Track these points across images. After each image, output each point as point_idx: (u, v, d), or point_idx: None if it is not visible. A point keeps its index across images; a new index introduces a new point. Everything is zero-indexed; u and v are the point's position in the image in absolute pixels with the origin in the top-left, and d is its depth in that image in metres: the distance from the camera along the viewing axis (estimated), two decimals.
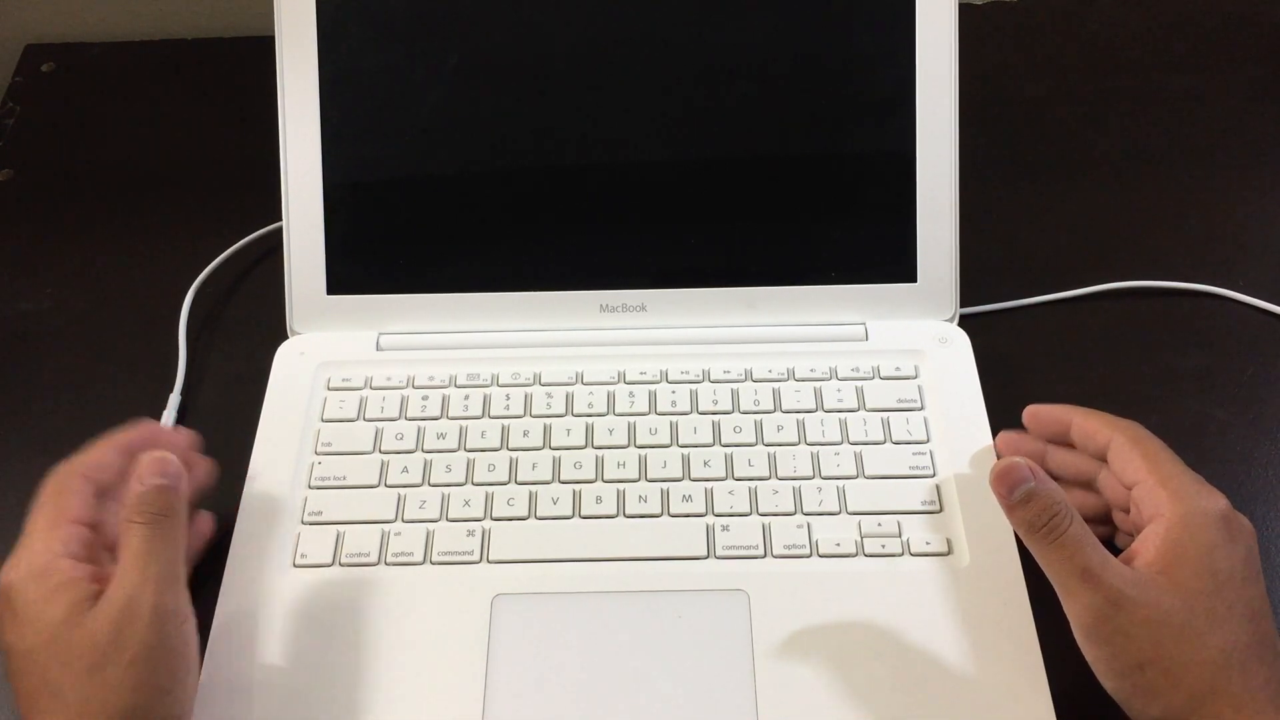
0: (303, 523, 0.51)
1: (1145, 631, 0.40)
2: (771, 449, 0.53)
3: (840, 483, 0.51)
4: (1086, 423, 0.48)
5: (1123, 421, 0.48)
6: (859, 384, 0.55)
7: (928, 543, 0.49)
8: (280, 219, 0.56)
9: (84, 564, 0.43)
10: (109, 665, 0.40)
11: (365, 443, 0.53)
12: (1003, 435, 0.52)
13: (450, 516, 0.51)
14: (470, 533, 0.50)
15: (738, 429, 0.53)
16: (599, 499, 0.51)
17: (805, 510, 0.51)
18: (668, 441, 0.53)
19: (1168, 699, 0.40)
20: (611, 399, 0.55)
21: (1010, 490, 0.44)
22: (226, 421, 0.57)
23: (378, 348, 0.57)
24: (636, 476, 0.52)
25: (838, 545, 0.49)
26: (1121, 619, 0.41)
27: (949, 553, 0.49)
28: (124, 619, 0.41)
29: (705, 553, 0.49)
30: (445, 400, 0.55)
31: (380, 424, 0.54)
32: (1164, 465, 0.45)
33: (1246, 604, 0.41)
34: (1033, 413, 0.51)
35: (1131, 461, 0.45)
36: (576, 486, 0.52)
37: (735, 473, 0.52)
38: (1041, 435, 0.51)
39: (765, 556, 0.49)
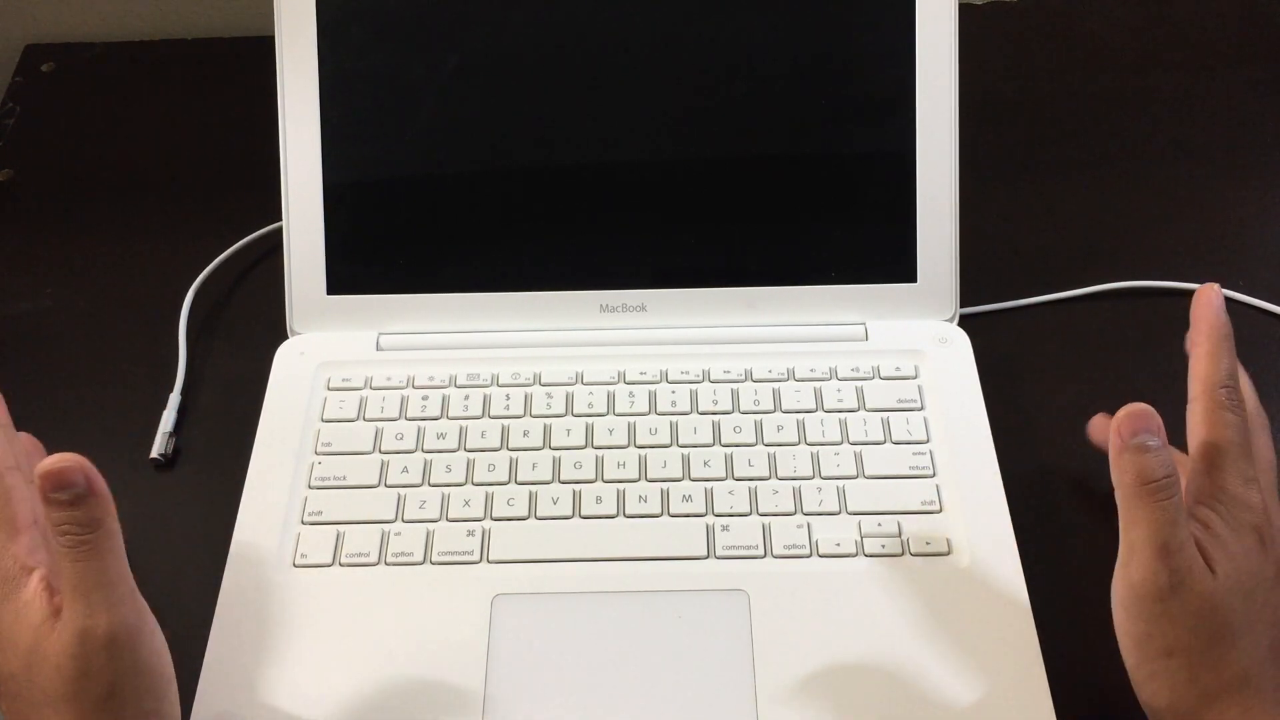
0: (303, 523, 0.51)
1: (1188, 621, 0.40)
2: (771, 449, 0.53)
3: (840, 483, 0.51)
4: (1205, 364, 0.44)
5: (1215, 389, 0.44)
6: (859, 384, 0.55)
7: (928, 543, 0.49)
8: (280, 219, 0.56)
9: (43, 578, 0.40)
10: (83, 700, 0.38)
11: (365, 443, 0.53)
12: (1098, 421, 0.51)
13: (450, 516, 0.51)
14: (470, 533, 0.50)
15: (738, 429, 0.53)
16: (599, 499, 0.51)
17: (805, 510, 0.51)
18: (668, 441, 0.53)
19: (1183, 692, 0.40)
20: (611, 399, 0.55)
21: (1135, 433, 0.40)
22: (226, 421, 0.57)
23: (378, 348, 0.57)
24: (636, 476, 0.52)
25: (838, 545, 0.49)
26: (1173, 603, 0.40)
27: (949, 553, 0.49)
28: (83, 653, 0.38)
29: (705, 553, 0.49)
30: (445, 400, 0.55)
31: (380, 424, 0.54)
32: (1220, 450, 0.42)
33: (1275, 609, 0.41)
34: (1099, 428, 0.50)
35: (1196, 434, 0.44)
36: (576, 486, 0.52)
37: (735, 473, 0.52)
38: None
39: (765, 556, 0.49)
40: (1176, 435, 0.57)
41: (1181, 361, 0.59)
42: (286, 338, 0.57)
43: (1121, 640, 0.42)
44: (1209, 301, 0.45)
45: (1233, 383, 0.44)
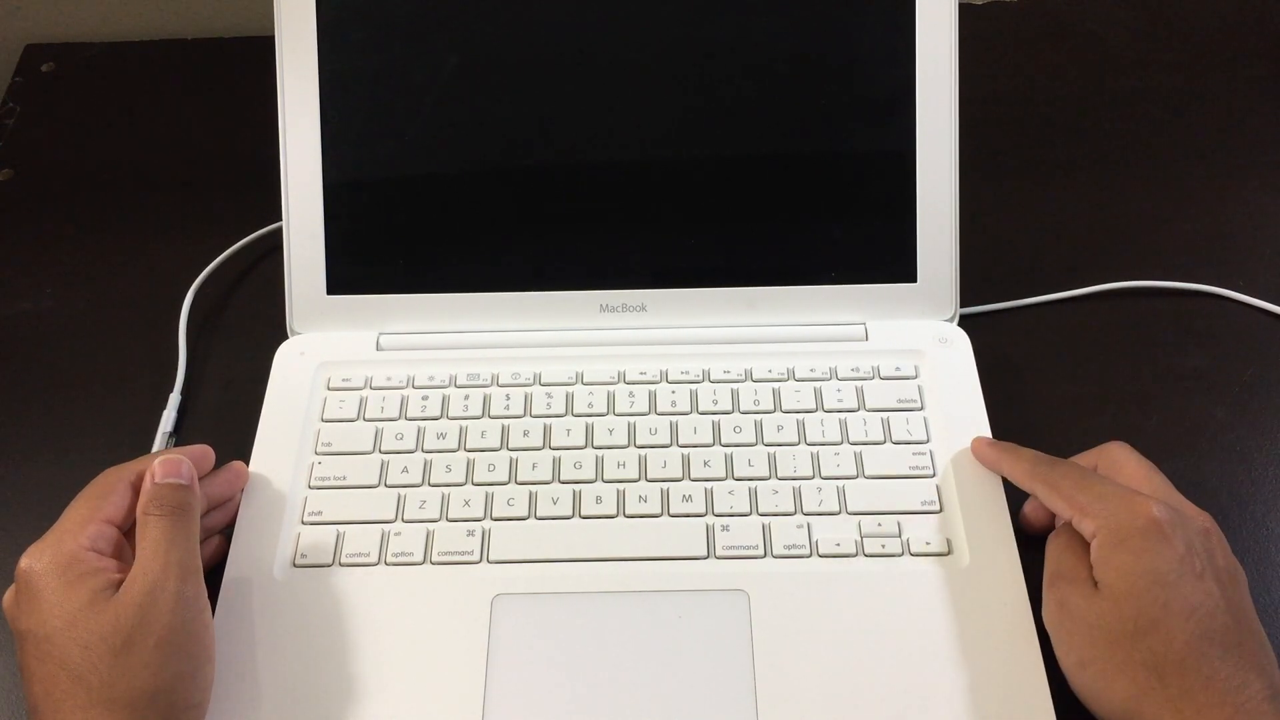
0: (303, 523, 0.51)
1: (1081, 632, 0.43)
2: (771, 449, 0.53)
3: (840, 483, 0.51)
4: (1014, 469, 0.49)
5: (1042, 462, 0.49)
6: (859, 384, 0.55)
7: (928, 543, 0.49)
8: (280, 219, 0.56)
9: (108, 558, 0.44)
10: (135, 648, 0.41)
11: (365, 443, 0.53)
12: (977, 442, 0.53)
13: (450, 516, 0.51)
14: (470, 533, 0.50)
15: (738, 429, 0.53)
16: (599, 499, 0.51)
17: (805, 510, 0.51)
18: (668, 441, 0.53)
19: (1107, 698, 0.42)
20: (611, 399, 0.55)
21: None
22: (226, 421, 0.57)
23: (378, 348, 0.57)
24: (636, 476, 0.52)
25: (838, 545, 0.49)
26: (1065, 619, 0.44)
27: (949, 553, 0.49)
28: (148, 603, 0.42)
29: (705, 553, 0.49)
30: (445, 400, 0.55)
31: (380, 424, 0.54)
32: (1081, 495, 0.45)
33: (1183, 601, 0.41)
34: (976, 448, 0.52)
35: (1055, 505, 0.47)
36: (576, 486, 0.52)
37: (735, 473, 0.52)
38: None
39: (765, 556, 0.49)
40: (1174, 437, 0.57)
41: (1181, 362, 0.59)
42: (286, 338, 0.57)
43: (1059, 663, 0.45)
44: (980, 447, 0.52)
45: (1042, 459, 0.49)
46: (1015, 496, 0.51)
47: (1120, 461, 0.48)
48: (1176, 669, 0.40)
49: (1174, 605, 0.41)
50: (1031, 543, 0.50)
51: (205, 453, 0.50)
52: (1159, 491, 0.46)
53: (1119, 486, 0.46)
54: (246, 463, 0.52)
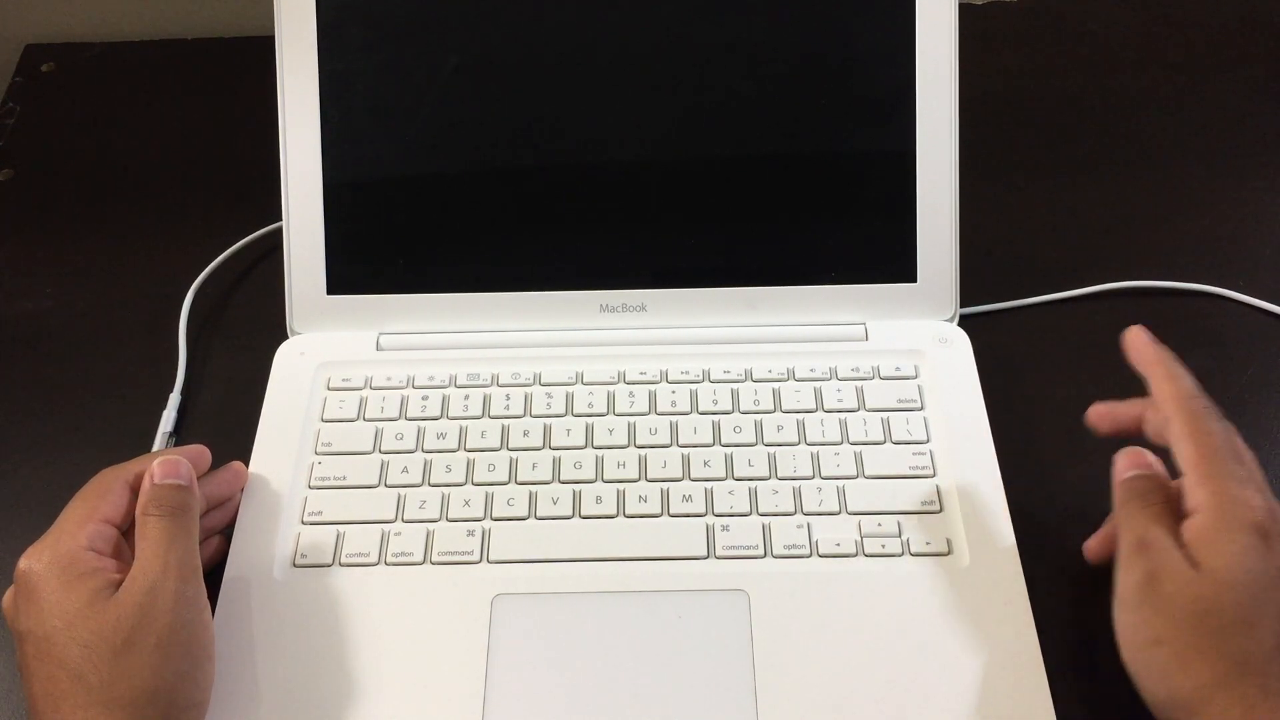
0: (303, 523, 0.51)
1: (1170, 610, 0.41)
2: (771, 449, 0.53)
3: (840, 483, 0.51)
4: (1165, 385, 0.46)
5: (1188, 403, 0.46)
6: (859, 384, 0.55)
7: (928, 543, 0.49)
8: (280, 219, 0.56)
9: (108, 558, 0.44)
10: (135, 647, 0.41)
11: (365, 443, 0.53)
12: (1096, 407, 0.50)
13: (450, 516, 0.51)
14: (470, 533, 0.50)
15: (738, 429, 0.53)
16: (599, 499, 0.51)
17: (805, 510, 0.51)
18: (668, 441, 0.53)
19: (1177, 682, 0.41)
20: (611, 399, 0.55)
21: (1129, 468, 0.46)
22: (226, 421, 0.57)
23: (378, 348, 0.57)
24: (636, 476, 0.52)
25: (838, 545, 0.49)
26: (1153, 594, 0.42)
27: (949, 553, 0.49)
28: (148, 602, 0.42)
29: (705, 553, 0.49)
30: (445, 400, 0.55)
31: (380, 424, 0.54)
32: (1209, 459, 0.44)
33: (1277, 606, 0.41)
34: (1099, 413, 0.50)
35: (1182, 452, 0.45)
36: (576, 486, 0.52)
37: (735, 473, 0.52)
38: (1111, 433, 0.49)
39: (765, 556, 0.49)
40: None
41: (1181, 362, 0.59)
42: (286, 338, 0.57)
43: (1120, 641, 0.43)
44: (1141, 338, 0.49)
45: (1201, 394, 0.46)
46: (1016, 497, 0.51)
47: (1198, 428, 0.45)
48: (1259, 668, 0.40)
49: (1269, 608, 0.41)
50: (1031, 543, 0.50)
51: (201, 452, 0.50)
52: (1264, 486, 0.45)
53: (1246, 474, 0.44)
54: (246, 463, 0.52)
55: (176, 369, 0.59)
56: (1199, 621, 0.41)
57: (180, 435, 0.57)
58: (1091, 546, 0.50)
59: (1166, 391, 0.46)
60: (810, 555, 0.49)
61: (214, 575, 0.49)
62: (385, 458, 0.53)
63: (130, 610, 0.41)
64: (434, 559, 0.49)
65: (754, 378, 0.55)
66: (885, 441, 0.53)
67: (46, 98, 0.76)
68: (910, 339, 0.56)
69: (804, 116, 0.56)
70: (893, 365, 0.56)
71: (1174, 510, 0.44)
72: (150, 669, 0.41)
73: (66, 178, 0.71)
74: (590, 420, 0.54)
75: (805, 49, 0.55)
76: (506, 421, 0.54)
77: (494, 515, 0.51)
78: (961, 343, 0.56)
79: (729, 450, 0.53)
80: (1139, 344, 0.48)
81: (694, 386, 0.55)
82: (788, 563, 0.49)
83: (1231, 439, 0.45)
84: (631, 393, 0.55)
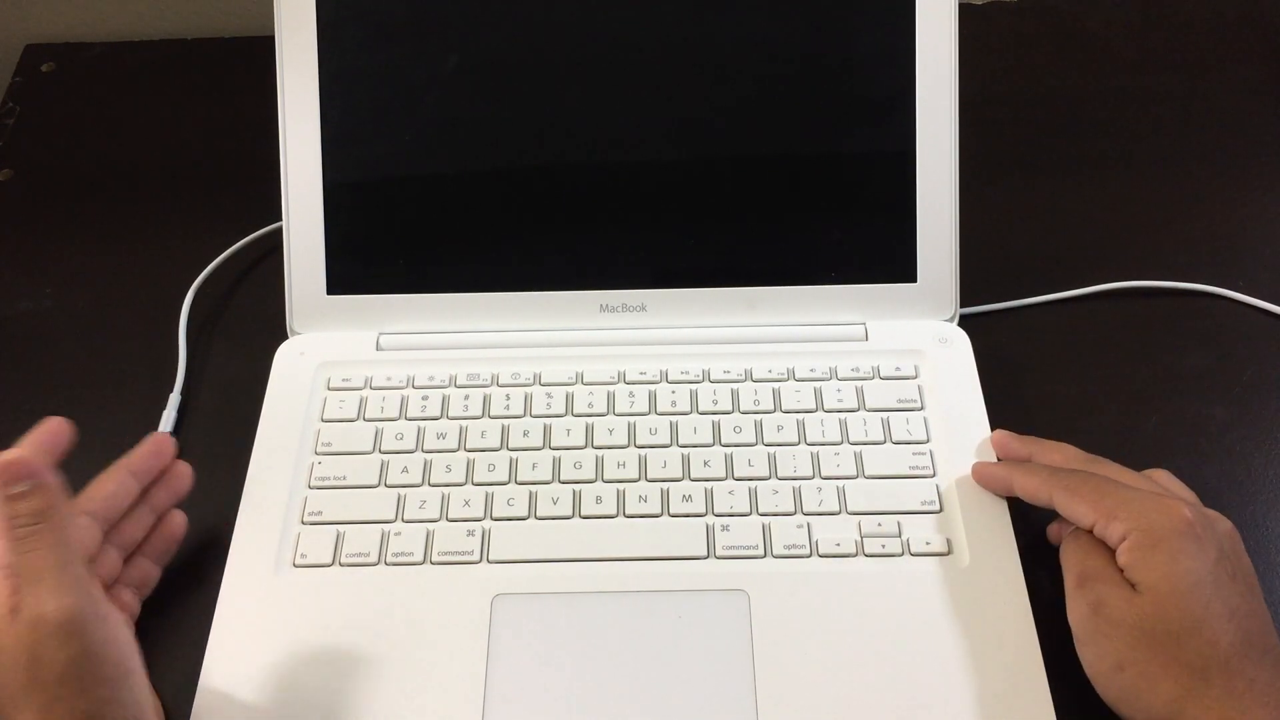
0: (303, 523, 0.51)
1: (1121, 634, 0.42)
2: (771, 449, 0.53)
3: (840, 483, 0.51)
4: (1026, 483, 0.48)
5: (1057, 472, 0.48)
6: (859, 384, 0.55)
7: (928, 543, 0.49)
8: (280, 219, 0.56)
9: (5, 577, 0.40)
10: (38, 686, 0.39)
11: (365, 443, 0.53)
12: (998, 434, 0.52)
13: (450, 516, 0.51)
14: (470, 533, 0.50)
15: (738, 429, 0.53)
16: (599, 499, 0.51)
17: (805, 510, 0.51)
18: (668, 441, 0.53)
19: (1147, 701, 0.41)
20: (611, 399, 0.55)
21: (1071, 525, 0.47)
22: (226, 421, 0.57)
23: (378, 348, 0.57)
24: (636, 476, 0.52)
25: (838, 545, 0.49)
26: (1101, 622, 0.43)
27: (949, 553, 0.49)
28: (34, 639, 0.39)
29: (705, 553, 0.49)
30: (445, 400, 0.55)
31: (380, 424, 0.54)
32: (1108, 500, 0.45)
33: (1224, 604, 0.41)
34: (978, 473, 0.51)
35: (1077, 511, 0.46)
36: (576, 486, 0.52)
37: (735, 473, 0.52)
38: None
39: (765, 556, 0.49)
40: (1174, 437, 0.57)
41: (1181, 362, 0.59)
42: (286, 338, 0.57)
43: (1085, 669, 0.44)
44: (983, 471, 0.51)
45: (1055, 466, 0.49)
46: (1016, 497, 0.51)
47: (1078, 486, 0.47)
48: (1221, 670, 0.40)
49: (1215, 607, 0.41)
50: (1031, 543, 0.50)
51: (58, 430, 0.44)
52: (1183, 494, 0.46)
53: (1143, 490, 0.45)
54: (246, 463, 0.52)
55: (176, 369, 0.59)
56: (1150, 639, 0.41)
57: (180, 435, 0.57)
58: (1054, 529, 0.50)
59: (1030, 488, 0.48)
60: (810, 555, 0.49)
61: (214, 575, 0.49)
62: (385, 458, 0.53)
63: (20, 650, 0.39)
64: (434, 559, 0.49)
65: (754, 378, 0.55)
66: (885, 441, 0.53)
67: (46, 98, 0.76)
68: (910, 339, 0.56)
69: (804, 117, 0.56)
70: (893, 365, 0.56)
71: (1110, 547, 0.45)
72: (67, 700, 0.39)
73: (66, 178, 0.71)
74: (590, 420, 0.54)
75: (805, 49, 0.55)
76: (506, 421, 0.54)
77: (494, 515, 0.51)
78: (961, 343, 0.56)
79: (729, 450, 0.53)
80: (983, 475, 0.51)
81: (694, 386, 0.55)
82: (788, 563, 0.49)
83: (1121, 471, 0.47)
84: (631, 393, 0.55)
